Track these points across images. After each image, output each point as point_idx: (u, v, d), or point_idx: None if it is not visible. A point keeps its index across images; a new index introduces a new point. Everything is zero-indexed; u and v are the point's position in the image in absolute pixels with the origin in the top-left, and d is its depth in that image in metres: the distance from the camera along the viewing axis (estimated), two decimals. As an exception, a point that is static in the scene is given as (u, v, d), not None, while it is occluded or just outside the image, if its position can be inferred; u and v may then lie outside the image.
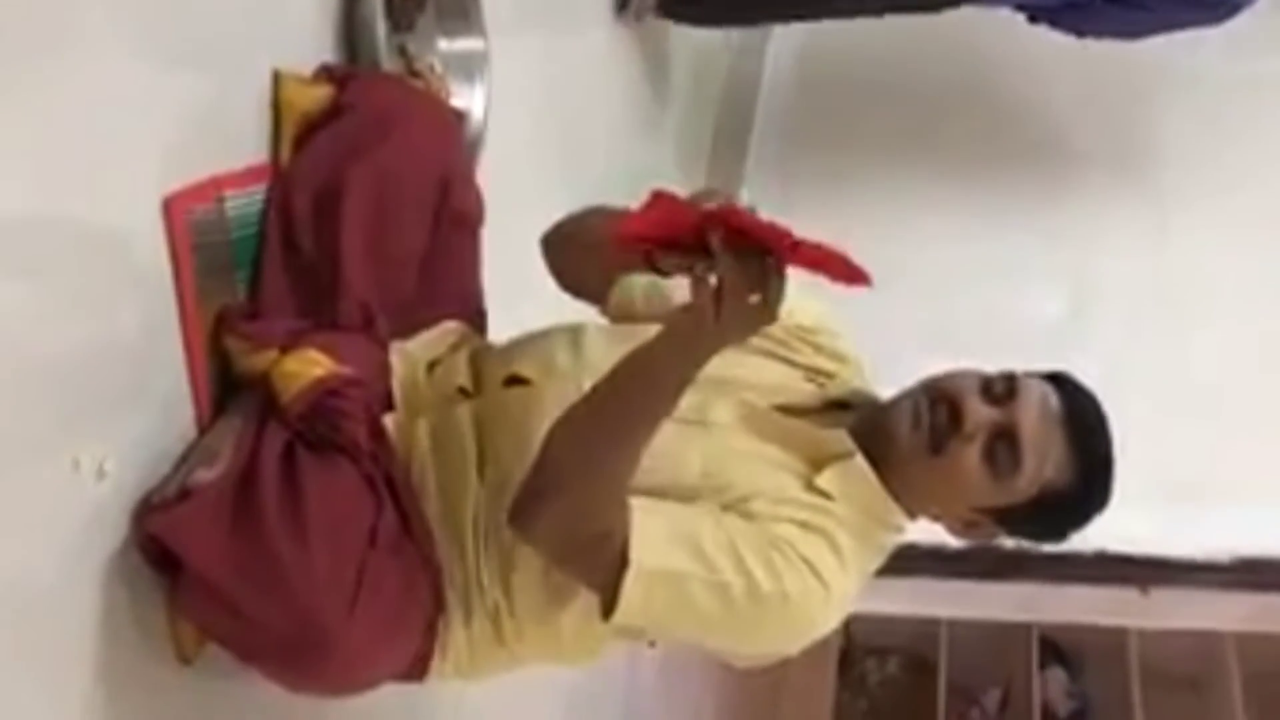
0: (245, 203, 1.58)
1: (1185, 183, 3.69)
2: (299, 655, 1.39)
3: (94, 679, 1.41)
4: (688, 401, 1.48)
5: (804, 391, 1.63)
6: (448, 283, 1.75)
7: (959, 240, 3.71)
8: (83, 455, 1.36)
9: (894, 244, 3.75)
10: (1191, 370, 3.38)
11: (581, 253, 1.62)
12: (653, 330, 1.36)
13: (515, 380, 1.59)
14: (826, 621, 1.47)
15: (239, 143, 1.61)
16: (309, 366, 1.53)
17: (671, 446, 1.45)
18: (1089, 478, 1.51)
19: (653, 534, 1.38)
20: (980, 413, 1.48)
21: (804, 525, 1.44)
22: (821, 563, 1.43)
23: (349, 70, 1.76)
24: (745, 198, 3.77)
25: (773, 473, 1.50)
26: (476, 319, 1.82)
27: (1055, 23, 3.21)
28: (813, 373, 1.65)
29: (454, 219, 1.72)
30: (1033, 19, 3.23)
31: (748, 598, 1.39)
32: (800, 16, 3.39)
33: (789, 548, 1.42)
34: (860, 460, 1.51)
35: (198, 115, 1.53)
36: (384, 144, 1.61)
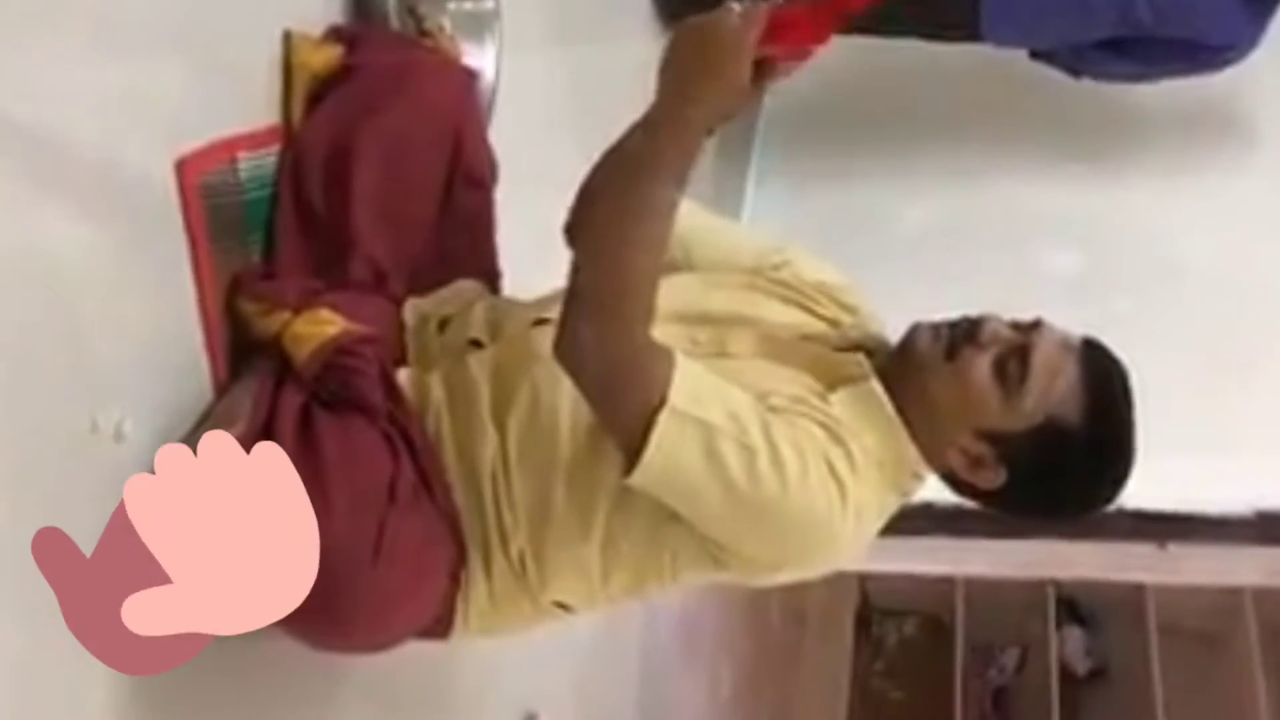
0: (258, 164, 1.58)
1: (1206, 140, 3.66)
2: (322, 613, 1.39)
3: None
4: (706, 335, 1.49)
5: (824, 331, 1.64)
6: (461, 242, 1.75)
7: (973, 201, 3.70)
8: (101, 417, 1.36)
9: (906, 210, 3.76)
10: (1211, 325, 3.37)
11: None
12: (685, 278, 1.34)
13: (542, 321, 1.58)
14: (842, 531, 1.43)
15: (251, 105, 1.61)
16: (321, 326, 1.53)
17: None
18: (1097, 416, 1.48)
19: (692, 382, 1.36)
20: (999, 330, 1.50)
21: (823, 426, 1.43)
22: (839, 464, 1.41)
23: (359, 31, 1.75)
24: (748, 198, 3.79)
25: (789, 386, 1.49)
26: (491, 279, 1.82)
27: (1054, 61, 3.29)
28: (832, 324, 1.65)
29: (466, 179, 1.72)
30: (1033, 55, 3.30)
31: (772, 468, 1.36)
32: None
33: (811, 439, 1.41)
34: (875, 385, 1.50)
35: (210, 78, 1.52)
36: (395, 103, 1.61)
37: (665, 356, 1.37)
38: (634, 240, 1.33)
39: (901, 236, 3.70)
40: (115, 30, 1.37)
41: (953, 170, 3.71)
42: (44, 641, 1.31)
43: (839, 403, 1.48)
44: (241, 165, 1.56)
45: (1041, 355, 1.47)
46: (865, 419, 1.48)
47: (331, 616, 1.40)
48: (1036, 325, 1.50)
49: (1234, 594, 4.69)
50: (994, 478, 1.51)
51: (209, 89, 1.52)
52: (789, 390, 1.48)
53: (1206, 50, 3.12)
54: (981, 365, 1.48)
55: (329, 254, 1.60)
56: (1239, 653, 4.73)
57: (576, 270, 1.37)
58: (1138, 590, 4.80)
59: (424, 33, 1.92)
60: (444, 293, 1.73)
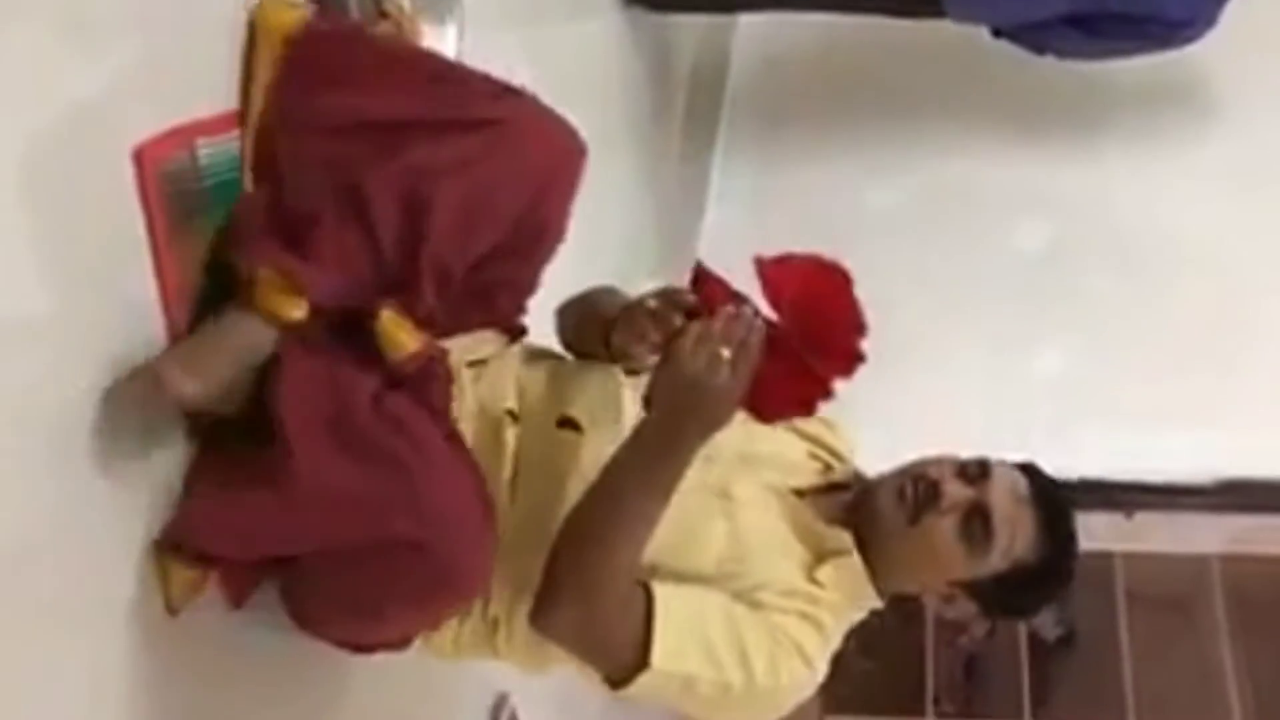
0: (218, 150, 1.56)
1: (1172, 116, 3.68)
2: (443, 578, 1.48)
3: (81, 630, 1.42)
4: (716, 473, 1.62)
5: (811, 471, 1.78)
6: (498, 300, 1.71)
7: (941, 177, 3.71)
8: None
9: (874, 187, 3.77)
10: (1175, 298, 3.39)
11: (589, 327, 1.70)
12: None
13: (567, 422, 1.67)
14: (805, 692, 1.63)
15: (210, 89, 1.58)
16: (409, 334, 1.51)
17: (695, 521, 1.60)
18: (1055, 555, 1.65)
19: (674, 630, 1.50)
20: (957, 491, 1.63)
21: (802, 616, 1.59)
22: (811, 646, 1.59)
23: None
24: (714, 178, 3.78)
25: (781, 560, 1.64)
26: (514, 333, 1.81)
27: (1016, 39, 3.30)
28: (814, 443, 1.80)
29: (531, 238, 1.63)
30: (996, 33, 3.31)
31: (745, 690, 1.53)
32: (780, 6, 3.41)
33: (787, 638, 1.57)
34: (856, 559, 1.66)
35: (167, 62, 1.50)
36: (492, 157, 1.51)
37: (641, 613, 1.50)
38: (621, 545, 1.49)
39: (870, 214, 3.71)
40: (69, 14, 1.34)
41: (920, 147, 3.73)
42: (11, 628, 1.32)
43: (825, 577, 1.63)
44: (201, 151, 1.53)
45: (1000, 514, 1.62)
46: (846, 588, 1.65)
47: (453, 580, 1.49)
48: (985, 470, 1.64)
49: (1200, 561, 4.74)
50: (967, 609, 1.71)
51: (166, 74, 1.49)
52: (783, 580, 1.61)
53: (1166, 26, 3.13)
54: (947, 530, 1.62)
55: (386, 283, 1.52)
56: (1206, 618, 4.79)
57: (563, 560, 1.50)
58: (1105, 558, 4.85)
59: (383, 13, 1.90)
60: (466, 340, 1.70)
